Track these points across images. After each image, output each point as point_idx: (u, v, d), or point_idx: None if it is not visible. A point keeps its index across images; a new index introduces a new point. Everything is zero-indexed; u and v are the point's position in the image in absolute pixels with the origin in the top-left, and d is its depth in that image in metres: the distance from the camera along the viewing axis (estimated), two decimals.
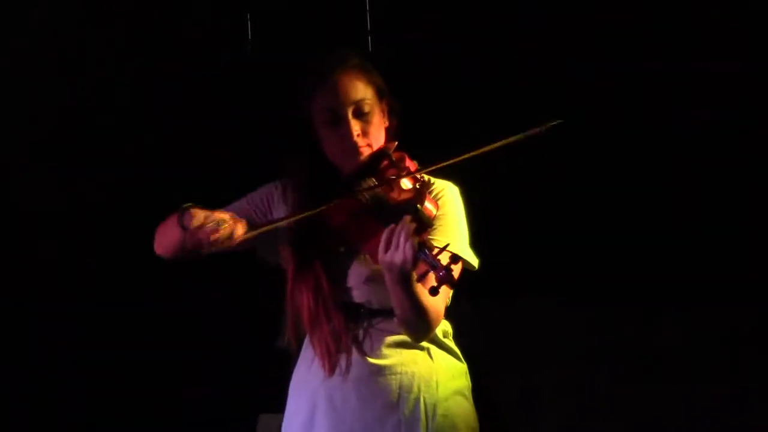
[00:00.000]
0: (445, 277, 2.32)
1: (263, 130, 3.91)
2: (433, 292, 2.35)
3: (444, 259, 2.35)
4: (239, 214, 2.64)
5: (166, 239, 2.65)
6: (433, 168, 2.57)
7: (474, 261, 2.67)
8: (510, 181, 3.92)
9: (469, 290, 2.73)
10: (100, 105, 4.11)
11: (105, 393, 4.20)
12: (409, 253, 2.37)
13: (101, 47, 4.08)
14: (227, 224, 2.50)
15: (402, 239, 2.38)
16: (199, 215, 2.50)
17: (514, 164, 3.83)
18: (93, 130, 4.13)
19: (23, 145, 4.09)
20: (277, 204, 2.75)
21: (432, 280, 2.35)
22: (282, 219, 2.63)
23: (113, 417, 4.21)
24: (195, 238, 2.49)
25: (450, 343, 2.72)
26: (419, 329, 2.58)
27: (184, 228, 2.51)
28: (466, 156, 2.52)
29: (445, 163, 2.54)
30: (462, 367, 2.73)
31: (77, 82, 4.09)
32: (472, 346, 2.79)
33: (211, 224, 2.49)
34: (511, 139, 2.52)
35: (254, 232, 2.58)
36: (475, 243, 2.71)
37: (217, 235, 2.48)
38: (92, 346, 4.21)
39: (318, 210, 2.54)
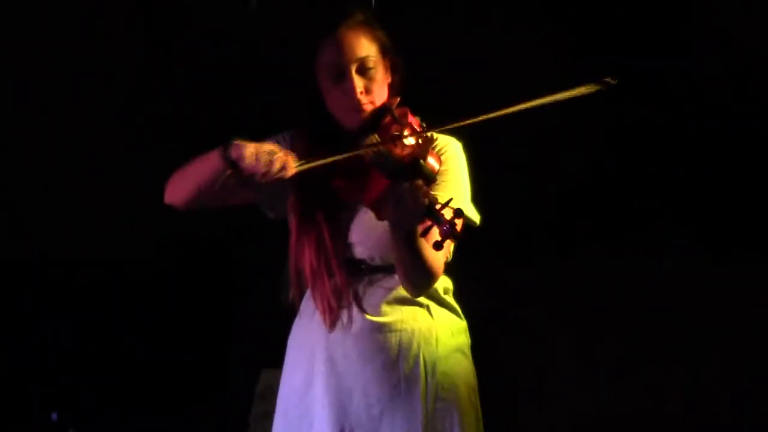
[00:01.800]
0: (449, 232, 2.32)
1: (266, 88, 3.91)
2: (438, 246, 2.35)
3: (447, 213, 2.35)
4: None
5: (191, 181, 2.56)
6: (440, 129, 2.55)
7: (475, 217, 2.67)
8: (521, 140, 3.92)
9: (471, 249, 2.73)
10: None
11: (104, 359, 4.21)
12: (419, 210, 2.35)
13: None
14: (278, 156, 2.43)
15: (408, 195, 2.37)
16: (249, 147, 2.43)
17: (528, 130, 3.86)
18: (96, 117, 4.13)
19: (24, 145, 4.08)
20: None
21: (436, 234, 2.35)
22: (329, 157, 2.49)
23: (113, 380, 4.23)
24: (247, 172, 2.41)
25: (450, 299, 2.72)
26: (420, 284, 2.58)
27: (232, 163, 2.44)
28: (476, 119, 2.47)
29: (453, 125, 2.51)
30: (462, 324, 2.73)
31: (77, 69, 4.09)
32: (472, 303, 2.79)
33: (264, 156, 2.42)
34: (527, 104, 2.47)
35: (307, 166, 2.48)
36: (480, 201, 2.71)
37: (271, 168, 2.41)
38: (90, 310, 4.22)
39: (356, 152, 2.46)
